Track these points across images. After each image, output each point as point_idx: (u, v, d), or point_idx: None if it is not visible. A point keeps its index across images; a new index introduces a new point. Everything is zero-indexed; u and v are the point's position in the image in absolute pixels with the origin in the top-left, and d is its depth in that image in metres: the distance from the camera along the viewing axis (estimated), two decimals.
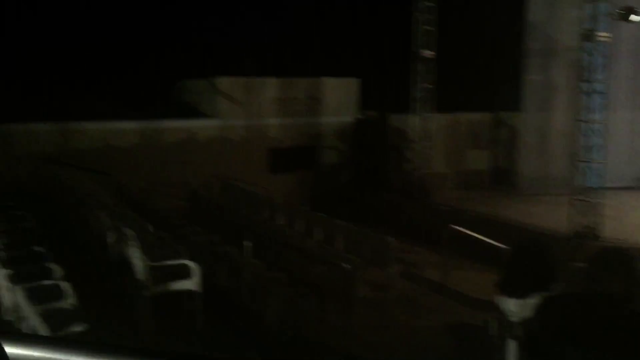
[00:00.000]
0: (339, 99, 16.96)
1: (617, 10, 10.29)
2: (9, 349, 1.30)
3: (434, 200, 14.06)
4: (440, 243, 9.27)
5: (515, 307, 3.77)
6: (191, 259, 6.67)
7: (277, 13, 17.26)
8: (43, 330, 4.31)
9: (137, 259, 5.56)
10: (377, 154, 16.54)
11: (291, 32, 16.76)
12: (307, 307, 6.83)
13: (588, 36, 9.95)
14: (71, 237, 8.23)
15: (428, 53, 14.29)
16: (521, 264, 3.90)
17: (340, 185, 16.24)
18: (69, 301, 4.84)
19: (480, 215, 12.18)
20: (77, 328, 4.55)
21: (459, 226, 9.61)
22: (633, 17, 10.57)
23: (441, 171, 16.52)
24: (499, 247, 7.49)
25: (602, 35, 9.87)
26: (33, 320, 4.29)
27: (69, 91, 14.42)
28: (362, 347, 6.43)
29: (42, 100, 14.18)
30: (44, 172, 12.02)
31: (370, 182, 15.91)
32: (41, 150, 12.97)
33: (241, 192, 12.54)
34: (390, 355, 6.24)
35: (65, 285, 4.93)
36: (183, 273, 5.67)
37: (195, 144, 14.85)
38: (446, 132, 16.70)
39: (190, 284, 5.63)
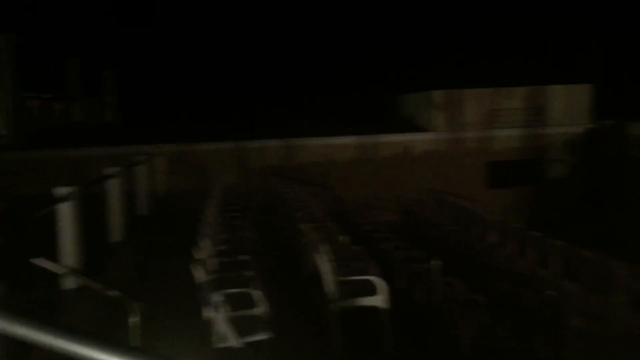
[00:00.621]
0: (567, 108, 15.56)
1: None
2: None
3: None
4: None
5: None
6: (387, 275, 6.61)
7: (495, 20, 16.51)
8: (231, 335, 4.60)
9: (327, 273, 5.67)
10: (613, 167, 14.75)
11: (512, 40, 15.90)
12: (509, 335, 6.29)
13: None
14: (283, 247, 8.76)
15: None
16: None
17: (567, 202, 14.83)
18: (261, 309, 5.11)
19: None
20: (264, 336, 4.77)
21: None
22: None
23: None
24: None
25: None
26: (222, 325, 4.61)
27: (295, 109, 15.62)
28: None
29: (271, 120, 15.57)
30: (269, 184, 13.07)
31: (602, 199, 14.25)
32: (269, 165, 14.20)
33: (453, 207, 12.16)
34: None
35: (258, 294, 5.22)
36: (371, 289, 5.63)
37: (410, 157, 14.88)
38: None
39: (377, 301, 5.56)
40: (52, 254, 5.76)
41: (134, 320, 3.79)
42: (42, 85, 21.18)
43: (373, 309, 5.66)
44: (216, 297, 4.91)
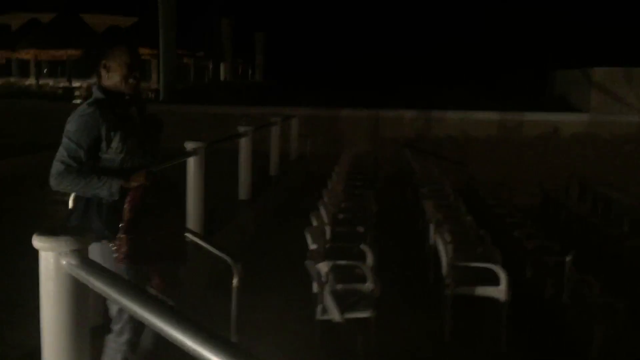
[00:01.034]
0: None
1: None
2: None
3: None
4: None
5: None
6: (514, 265, 6.11)
7: None
8: (335, 309, 4.45)
9: (445, 255, 5.31)
10: None
11: None
12: None
13: None
14: (405, 223, 8.47)
15: None
16: None
17: None
18: (370, 285, 4.90)
19: None
20: (369, 314, 4.58)
21: None
22: None
23: None
24: None
25: None
26: (326, 297, 4.47)
27: (434, 81, 15.00)
28: None
29: (410, 89, 15.09)
30: (400, 156, 12.71)
31: None
32: (403, 136, 13.79)
33: (602, 197, 11.03)
34: None
35: (369, 269, 5.02)
36: (491, 278, 5.19)
37: (558, 139, 13.70)
38: None
39: (496, 292, 5.12)
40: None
41: (236, 281, 3.75)
42: (195, 44, 22.25)
43: (491, 299, 5.23)
44: (325, 267, 4.78)
